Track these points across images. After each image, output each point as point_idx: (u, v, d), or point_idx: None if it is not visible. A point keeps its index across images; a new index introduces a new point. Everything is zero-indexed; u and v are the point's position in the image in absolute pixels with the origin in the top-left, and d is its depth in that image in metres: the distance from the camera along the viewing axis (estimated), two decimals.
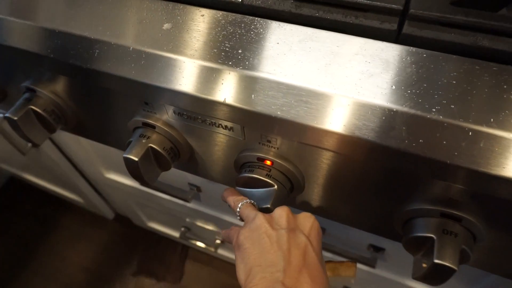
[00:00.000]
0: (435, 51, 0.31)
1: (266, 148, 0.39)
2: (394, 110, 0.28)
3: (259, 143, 0.39)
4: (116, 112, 0.47)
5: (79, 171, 1.07)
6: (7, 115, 0.49)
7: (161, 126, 0.43)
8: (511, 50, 0.30)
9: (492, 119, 0.27)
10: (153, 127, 0.43)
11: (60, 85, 0.48)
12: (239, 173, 0.42)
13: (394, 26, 0.33)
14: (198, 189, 0.76)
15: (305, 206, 0.45)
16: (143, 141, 0.43)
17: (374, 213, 0.41)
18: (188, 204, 0.81)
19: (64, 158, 1.01)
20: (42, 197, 1.48)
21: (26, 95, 0.50)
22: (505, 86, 0.28)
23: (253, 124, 0.33)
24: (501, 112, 0.27)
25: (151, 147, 0.43)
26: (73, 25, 0.38)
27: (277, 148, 0.38)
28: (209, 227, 0.93)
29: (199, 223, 0.94)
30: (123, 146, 0.48)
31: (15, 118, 0.48)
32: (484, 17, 0.31)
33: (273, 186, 0.39)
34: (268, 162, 0.39)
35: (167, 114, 0.41)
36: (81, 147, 0.86)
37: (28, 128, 0.50)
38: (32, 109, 0.49)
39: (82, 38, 0.37)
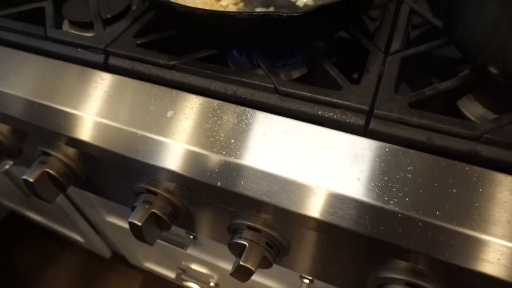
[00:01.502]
0: (397, 145, 0.37)
1: (255, 218, 0.44)
2: (359, 200, 0.34)
3: (249, 213, 0.44)
4: (123, 178, 0.52)
5: (80, 212, 1.11)
6: (24, 177, 0.54)
7: (163, 194, 0.48)
8: (457, 147, 0.36)
9: (438, 212, 0.32)
10: (155, 193, 0.49)
11: (72, 152, 0.54)
12: (231, 237, 0.47)
13: (362, 122, 0.39)
14: (195, 237, 0.81)
15: (290, 266, 0.50)
16: (146, 207, 0.48)
17: (351, 276, 0.45)
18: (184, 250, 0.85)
19: (66, 200, 1.05)
20: (40, 233, 1.51)
21: (42, 157, 0.56)
22: (450, 181, 0.34)
23: (243, 204, 0.38)
24: (446, 206, 0.33)
25: (153, 212, 0.48)
26: (87, 109, 0.45)
27: (265, 219, 0.43)
28: (204, 271, 0.96)
29: (195, 267, 0.98)
30: (128, 203, 0.54)
31: (31, 181, 0.53)
32: (435, 119, 0.37)
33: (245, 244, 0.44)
34: (257, 230, 0.45)
35: (168, 184, 0.47)
36: (84, 191, 0.91)
37: (42, 188, 0.55)
38: (47, 171, 0.54)
39: (97, 122, 0.43)
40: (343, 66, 0.51)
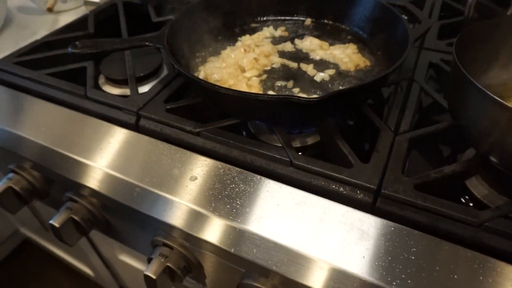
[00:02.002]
0: (402, 225, 0.39)
1: (264, 280, 0.46)
2: (363, 279, 0.36)
3: (258, 275, 0.46)
4: (142, 228, 0.55)
5: (93, 247, 1.14)
6: (51, 222, 0.58)
7: (178, 248, 0.51)
8: (459, 232, 0.38)
9: None
10: (171, 248, 0.52)
11: (98, 201, 0.58)
12: None
13: (370, 200, 0.41)
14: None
15: None
16: (162, 260, 0.51)
17: None
18: None
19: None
20: (51, 262, 1.54)
21: (68, 204, 0.59)
22: (452, 266, 0.36)
23: (253, 269, 0.41)
24: None
25: (168, 266, 0.51)
26: (115, 167, 0.49)
27: (273, 284, 0.45)
28: None
29: None
30: (143, 250, 0.56)
31: (58, 226, 0.57)
32: (439, 204, 0.39)
33: None
34: None
35: (184, 242, 0.50)
36: None
37: (66, 233, 0.59)
38: (72, 217, 0.58)
39: (125, 181, 0.47)
40: (354, 135, 0.55)
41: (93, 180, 0.49)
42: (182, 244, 0.51)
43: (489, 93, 0.36)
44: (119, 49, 0.55)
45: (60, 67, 0.63)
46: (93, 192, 0.50)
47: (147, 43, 0.53)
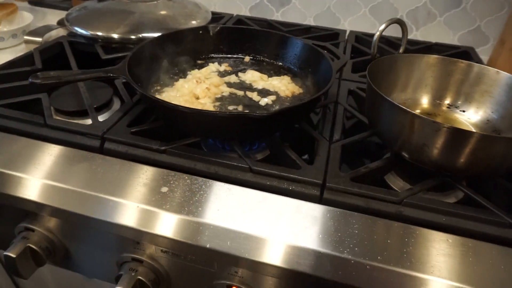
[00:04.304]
0: (345, 209, 0.49)
1: (232, 276, 0.52)
2: (321, 252, 0.44)
3: (228, 273, 0.51)
4: (107, 249, 0.57)
5: None
6: (6, 253, 0.56)
7: (148, 261, 0.54)
8: (386, 209, 0.49)
9: (379, 257, 0.44)
10: (140, 261, 0.54)
11: (57, 226, 0.58)
12: None
13: (318, 193, 0.51)
14: None
15: None
16: (132, 274, 0.53)
17: None
18: None
19: None
20: None
21: (24, 233, 0.59)
22: (385, 234, 0.46)
23: (227, 261, 0.46)
24: (384, 252, 0.44)
25: (139, 279, 0.53)
26: (84, 185, 0.51)
27: (242, 277, 0.51)
28: None
29: None
30: (109, 275, 0.57)
31: (14, 256, 0.56)
32: (370, 189, 0.50)
33: None
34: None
35: (154, 251, 0.53)
36: None
37: (22, 264, 0.57)
38: (29, 246, 0.57)
39: (96, 197, 0.50)
40: (295, 148, 0.65)
41: (71, 201, 0.51)
42: (151, 256, 0.54)
43: (396, 103, 0.49)
44: (83, 80, 0.59)
45: (13, 99, 0.64)
46: (56, 211, 0.51)
47: (110, 74, 0.58)
